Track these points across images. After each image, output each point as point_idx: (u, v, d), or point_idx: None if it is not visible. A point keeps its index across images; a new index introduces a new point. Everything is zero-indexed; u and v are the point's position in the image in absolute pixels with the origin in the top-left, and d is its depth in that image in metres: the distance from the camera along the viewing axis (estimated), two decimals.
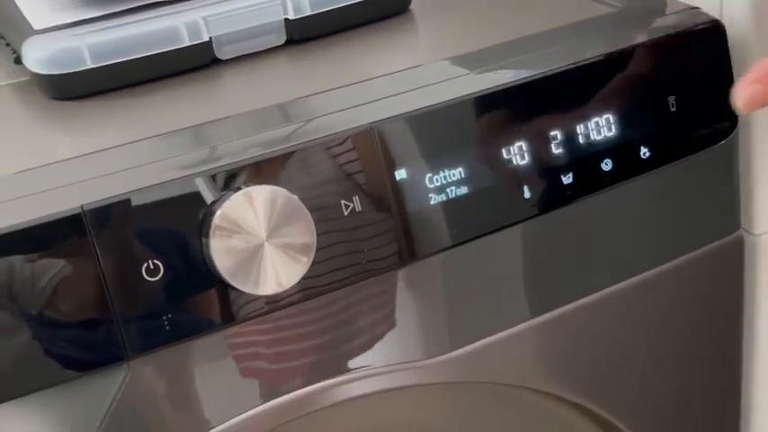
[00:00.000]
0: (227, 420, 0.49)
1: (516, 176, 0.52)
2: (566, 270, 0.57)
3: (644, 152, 0.56)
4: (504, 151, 0.52)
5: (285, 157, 0.47)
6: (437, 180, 0.50)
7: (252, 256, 0.45)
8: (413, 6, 0.63)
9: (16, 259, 0.42)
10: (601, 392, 0.61)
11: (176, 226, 0.44)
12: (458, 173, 0.51)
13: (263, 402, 0.50)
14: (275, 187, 0.45)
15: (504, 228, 0.53)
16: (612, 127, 0.55)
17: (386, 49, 0.59)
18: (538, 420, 0.62)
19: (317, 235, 0.46)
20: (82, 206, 0.43)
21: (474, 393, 0.58)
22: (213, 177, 0.46)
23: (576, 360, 0.59)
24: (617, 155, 0.55)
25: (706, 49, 0.58)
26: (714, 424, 0.68)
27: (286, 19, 0.57)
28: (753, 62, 0.49)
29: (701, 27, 0.57)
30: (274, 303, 0.47)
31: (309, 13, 0.58)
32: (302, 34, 0.59)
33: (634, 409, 0.63)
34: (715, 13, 0.59)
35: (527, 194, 0.53)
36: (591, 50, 0.55)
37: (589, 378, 0.60)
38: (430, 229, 0.51)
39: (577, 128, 0.54)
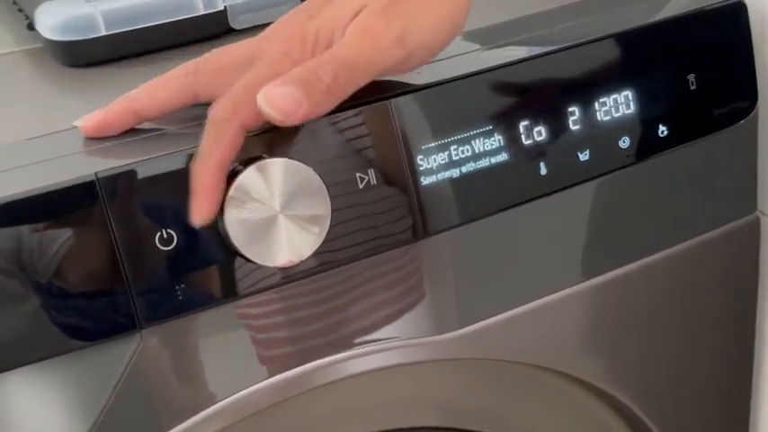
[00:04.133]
0: (237, 392, 0.48)
1: (532, 153, 0.52)
2: (581, 249, 0.56)
3: (662, 130, 0.55)
4: (520, 127, 0.51)
5: (300, 130, 0.46)
6: (453, 155, 0.50)
7: (266, 228, 0.44)
8: None
9: (29, 227, 0.42)
10: (610, 372, 0.61)
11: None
12: (473, 148, 0.50)
13: (272, 376, 0.49)
14: (289, 159, 0.45)
15: (519, 204, 0.53)
16: (631, 104, 0.54)
17: None
18: (560, 407, 0.62)
19: (332, 208, 0.46)
20: (96, 173, 0.42)
21: (490, 372, 0.58)
22: None
23: (588, 339, 0.59)
24: (635, 132, 0.55)
25: (727, 28, 0.57)
26: (726, 403, 0.68)
27: None
28: None
29: (723, 4, 0.57)
30: (287, 276, 0.47)
31: None
32: None
33: (645, 388, 0.62)
34: None
35: (543, 171, 0.52)
36: (611, 26, 0.54)
37: (600, 358, 0.60)
38: (444, 204, 0.50)
39: (595, 104, 0.53)
